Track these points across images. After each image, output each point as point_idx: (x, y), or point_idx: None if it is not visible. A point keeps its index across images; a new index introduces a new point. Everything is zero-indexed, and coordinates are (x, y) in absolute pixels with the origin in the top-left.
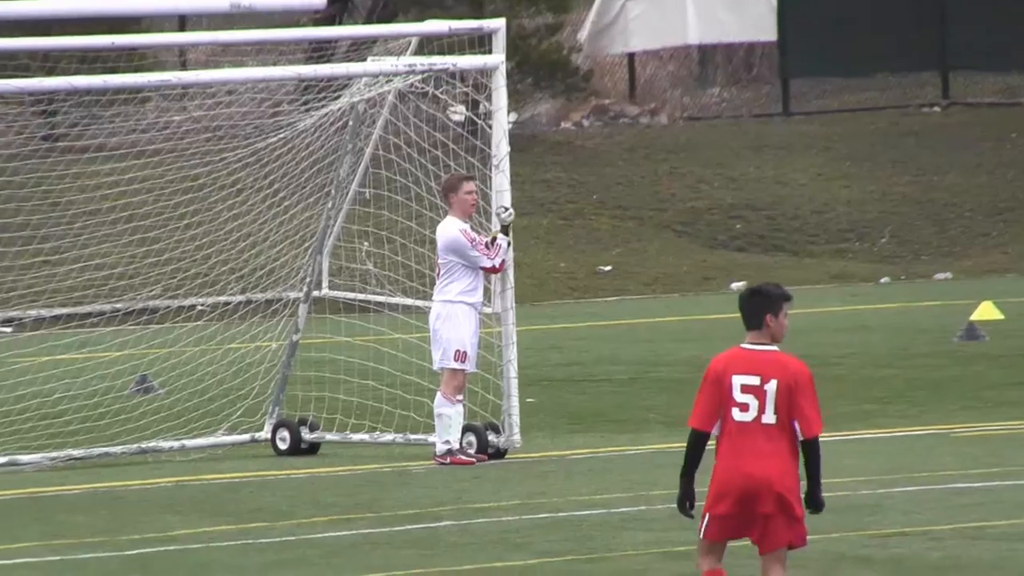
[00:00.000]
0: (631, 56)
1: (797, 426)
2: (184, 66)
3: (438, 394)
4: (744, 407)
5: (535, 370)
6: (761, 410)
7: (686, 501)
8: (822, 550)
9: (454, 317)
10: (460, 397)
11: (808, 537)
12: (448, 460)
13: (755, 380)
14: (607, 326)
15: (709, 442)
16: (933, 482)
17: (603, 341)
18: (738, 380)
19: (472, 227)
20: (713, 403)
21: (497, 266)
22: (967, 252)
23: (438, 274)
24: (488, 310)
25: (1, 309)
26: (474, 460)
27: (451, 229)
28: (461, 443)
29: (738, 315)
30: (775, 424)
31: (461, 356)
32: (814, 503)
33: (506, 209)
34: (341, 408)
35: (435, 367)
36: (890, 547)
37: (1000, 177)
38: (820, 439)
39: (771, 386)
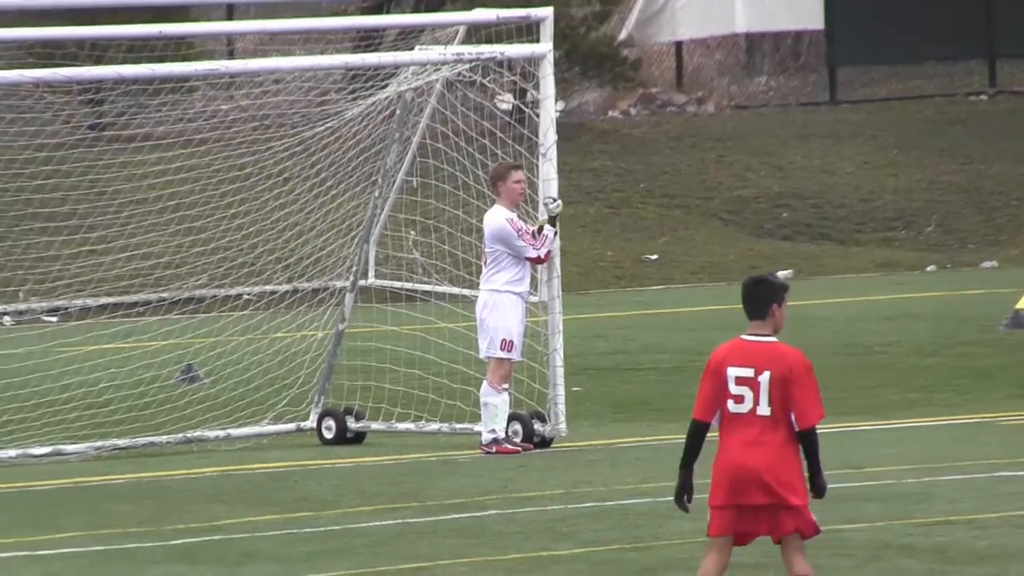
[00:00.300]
0: (679, 45)
1: (793, 417)
2: (231, 55)
3: (484, 383)
4: (739, 399)
5: (581, 359)
6: (756, 402)
7: (683, 493)
8: (867, 539)
9: (501, 306)
10: (506, 386)
11: (820, 527)
12: (494, 449)
13: (749, 372)
14: (653, 315)
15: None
16: (978, 471)
17: (649, 329)
18: (733, 372)
19: (519, 216)
20: (712, 394)
21: (543, 256)
22: (1013, 240)
23: (485, 263)
24: (535, 299)
25: (47, 298)
26: (519, 449)
27: (498, 218)
28: (507, 432)
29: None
30: (770, 416)
31: (508, 345)
32: (816, 489)
33: (554, 200)
34: (387, 397)
35: (482, 356)
36: (935, 535)
37: None
38: (818, 428)
39: (764, 377)
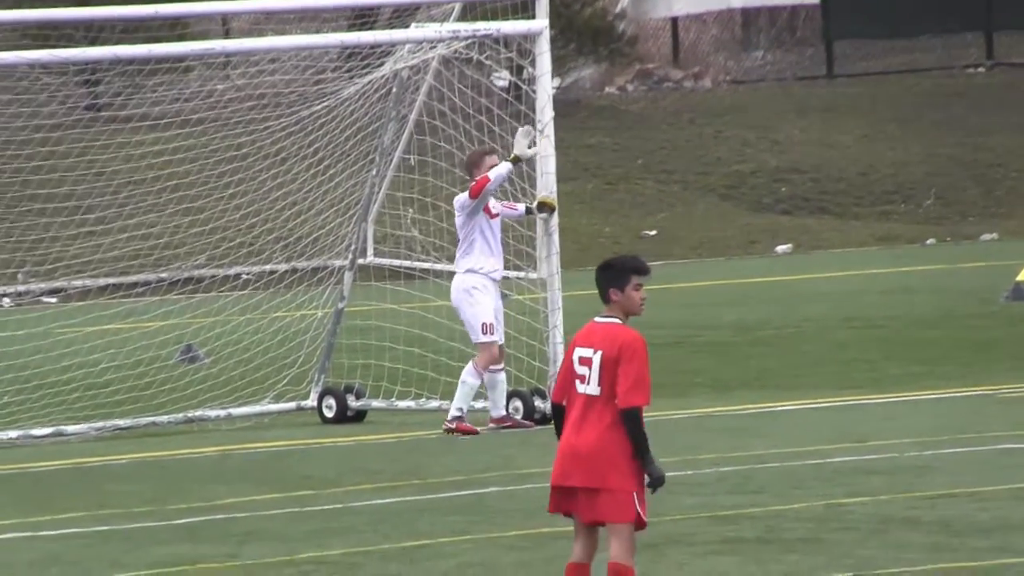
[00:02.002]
0: (674, 20)
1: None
2: (227, 35)
3: (470, 363)
4: (583, 379)
5: None
6: (589, 381)
7: None
8: (870, 512)
9: (472, 293)
10: (500, 367)
11: (646, 519)
12: (455, 426)
13: (588, 352)
14: (652, 290)
15: None
16: (980, 443)
17: (647, 305)
18: (577, 353)
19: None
20: (562, 375)
21: (478, 182)
22: (1013, 212)
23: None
24: (533, 275)
25: (47, 280)
26: (477, 430)
27: (461, 196)
28: (508, 409)
29: (781, 277)
30: (599, 395)
31: (489, 328)
32: (650, 480)
33: (531, 143)
34: (387, 375)
35: (474, 341)
36: (938, 508)
37: None
38: (640, 411)
39: (597, 357)
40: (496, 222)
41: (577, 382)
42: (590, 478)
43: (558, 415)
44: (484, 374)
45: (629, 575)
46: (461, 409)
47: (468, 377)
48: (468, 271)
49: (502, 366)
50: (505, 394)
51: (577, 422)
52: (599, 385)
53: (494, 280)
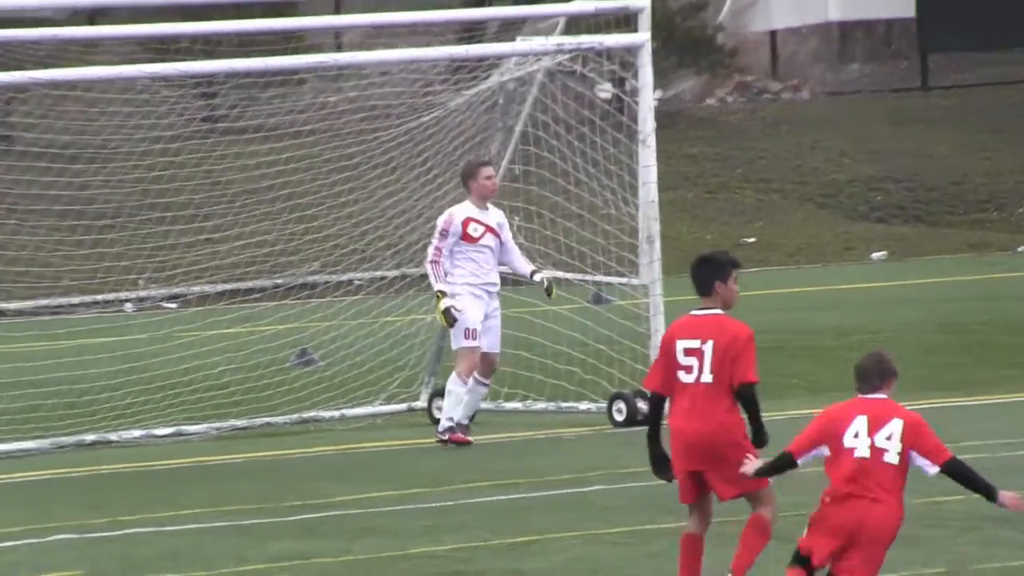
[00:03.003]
0: (773, 33)
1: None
2: (339, 48)
3: (453, 372)
4: (688, 369)
5: None
6: (700, 371)
7: (656, 462)
8: (963, 510)
9: (460, 300)
10: (485, 380)
11: (770, 481)
12: (447, 437)
13: (696, 343)
14: (750, 296)
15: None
16: None
17: (746, 311)
18: (681, 344)
19: (488, 210)
20: (663, 367)
21: (430, 262)
22: None
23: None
24: (636, 281)
25: (167, 286)
26: (471, 440)
27: (451, 210)
28: (611, 410)
29: (877, 284)
30: (712, 383)
31: (472, 334)
32: (758, 441)
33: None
34: (494, 378)
35: (453, 347)
36: None
37: None
38: (757, 388)
39: (708, 347)
40: (479, 246)
41: (681, 373)
42: (710, 457)
43: (657, 405)
44: (468, 380)
45: (769, 527)
46: (451, 419)
47: (452, 387)
48: (455, 283)
49: (488, 380)
50: (474, 408)
51: (688, 411)
52: (711, 373)
53: (485, 290)
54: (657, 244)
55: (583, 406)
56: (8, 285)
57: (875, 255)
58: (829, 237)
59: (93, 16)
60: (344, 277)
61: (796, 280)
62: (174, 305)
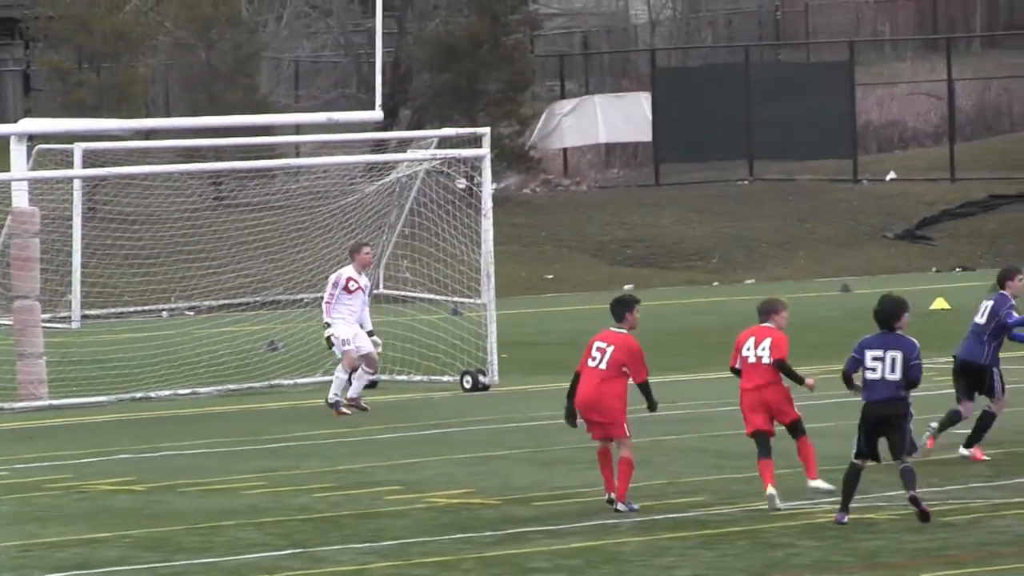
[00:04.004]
0: (565, 150)
1: (630, 375)
2: (298, 154)
3: (338, 365)
4: (595, 359)
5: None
6: (601, 361)
7: (568, 414)
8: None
9: (336, 327)
10: (371, 370)
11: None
12: (334, 412)
13: (604, 345)
14: (555, 311)
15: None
16: None
17: (555, 319)
18: (596, 344)
19: (363, 274)
20: (583, 357)
21: (326, 315)
22: None
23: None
24: (479, 301)
25: (188, 301)
26: (347, 412)
27: (340, 270)
28: (462, 381)
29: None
30: (606, 370)
31: (344, 342)
32: (651, 407)
33: (377, 344)
34: (387, 362)
35: (337, 353)
36: None
37: None
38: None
39: (610, 349)
40: (353, 296)
41: (590, 360)
42: (599, 414)
43: (576, 379)
44: (347, 372)
45: (632, 462)
46: (336, 395)
47: (337, 374)
48: (333, 319)
49: (373, 369)
50: (360, 389)
51: (589, 384)
52: (607, 364)
53: (359, 323)
54: (492, 278)
55: (445, 378)
56: (91, 299)
57: (626, 287)
58: (598, 276)
59: (148, 134)
60: (297, 297)
61: (580, 302)
62: (192, 313)
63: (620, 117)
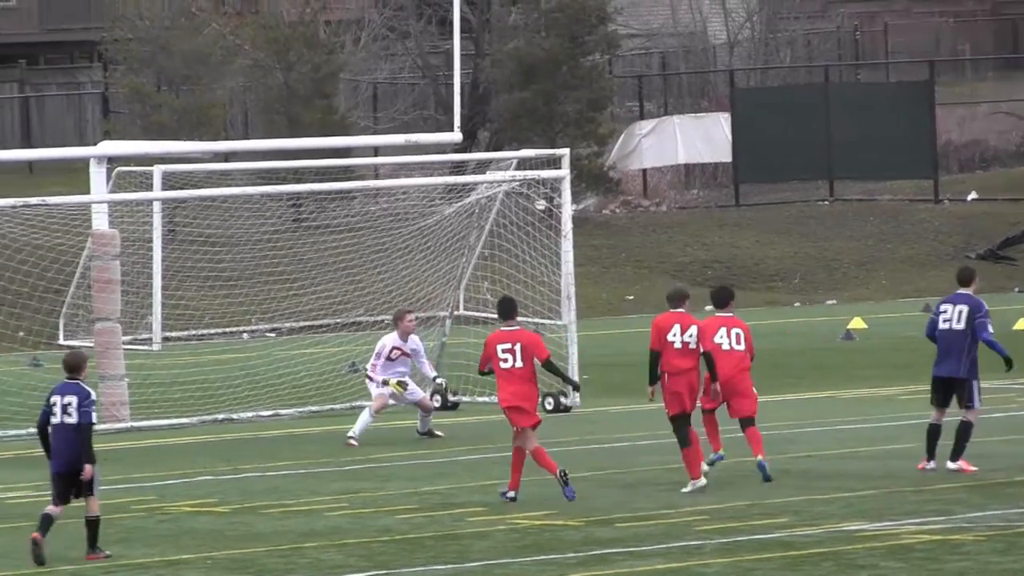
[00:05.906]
0: (644, 170)
1: (536, 358)
2: (377, 176)
3: (367, 406)
4: (506, 360)
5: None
6: (515, 360)
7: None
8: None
9: (380, 385)
10: (427, 413)
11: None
12: (352, 442)
13: (509, 344)
14: (635, 332)
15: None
16: None
17: (640, 339)
18: (499, 347)
19: (408, 340)
20: (485, 358)
21: (370, 375)
22: None
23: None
24: (559, 323)
25: (269, 322)
26: (355, 444)
27: (384, 339)
28: (542, 402)
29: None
30: (523, 367)
31: (383, 396)
32: (574, 385)
33: (441, 385)
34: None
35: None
36: None
37: None
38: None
39: (518, 346)
40: (397, 362)
41: (501, 362)
42: (517, 407)
43: (485, 376)
44: (375, 415)
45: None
46: (355, 433)
47: (364, 415)
48: (379, 377)
49: (427, 414)
50: (423, 425)
51: (509, 383)
52: (522, 361)
53: (398, 377)
54: (573, 300)
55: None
56: (172, 321)
57: (708, 307)
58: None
59: (227, 156)
60: (378, 318)
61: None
62: (273, 335)
63: (699, 138)
